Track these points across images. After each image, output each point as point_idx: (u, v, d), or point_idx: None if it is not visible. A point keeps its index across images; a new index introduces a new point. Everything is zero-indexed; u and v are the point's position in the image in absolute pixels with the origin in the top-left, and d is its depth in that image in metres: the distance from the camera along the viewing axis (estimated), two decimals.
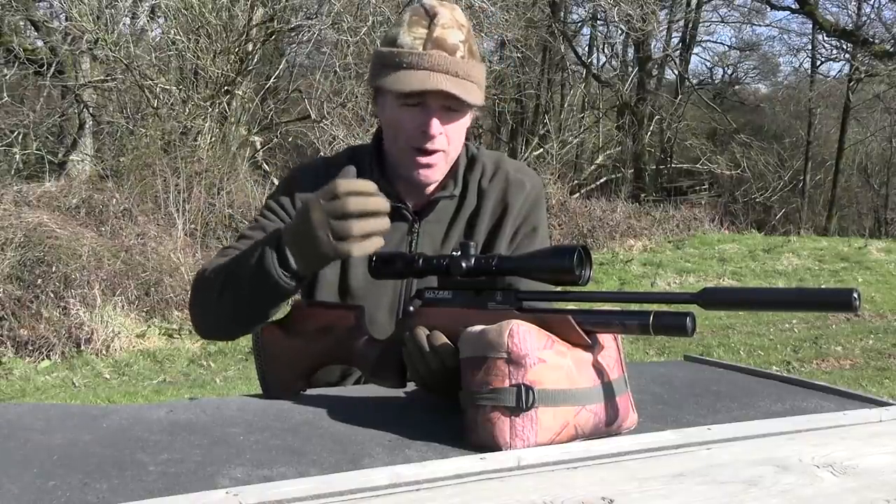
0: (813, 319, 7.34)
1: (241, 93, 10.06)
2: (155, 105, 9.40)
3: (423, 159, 1.44)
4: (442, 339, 1.13)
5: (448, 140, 1.44)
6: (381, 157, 1.53)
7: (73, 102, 10.40)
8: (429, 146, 1.42)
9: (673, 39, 18.97)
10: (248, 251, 1.28)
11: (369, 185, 1.17)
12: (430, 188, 1.52)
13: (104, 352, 6.30)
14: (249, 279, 1.25)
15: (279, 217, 1.49)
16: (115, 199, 7.87)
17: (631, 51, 18.30)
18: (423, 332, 1.15)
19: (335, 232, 1.15)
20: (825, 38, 18.59)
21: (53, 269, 6.51)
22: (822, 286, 8.16)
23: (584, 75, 17.81)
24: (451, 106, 1.42)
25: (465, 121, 1.48)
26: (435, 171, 1.47)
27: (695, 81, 19.92)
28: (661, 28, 16.86)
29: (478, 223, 1.53)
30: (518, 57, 13.22)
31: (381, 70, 1.42)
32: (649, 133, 17.00)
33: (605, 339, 1.09)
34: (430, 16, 1.41)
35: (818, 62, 20.05)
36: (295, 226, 1.22)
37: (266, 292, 1.25)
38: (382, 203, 1.17)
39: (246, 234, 1.48)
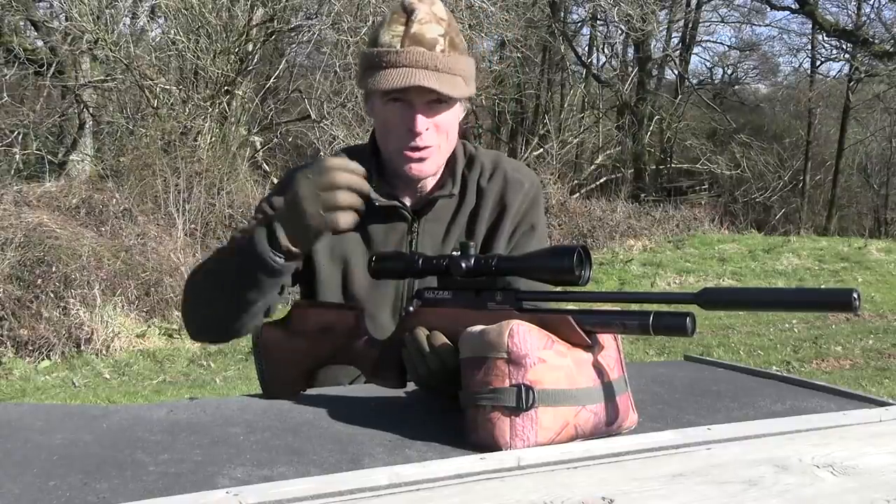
0: (813, 319, 7.34)
1: (241, 93, 10.06)
2: (155, 105, 9.40)
3: (414, 154, 1.44)
4: (441, 339, 1.13)
5: (438, 133, 1.44)
6: (379, 157, 1.53)
7: (73, 102, 10.40)
8: (418, 143, 1.43)
9: (673, 39, 19.00)
10: (239, 237, 1.32)
11: (356, 164, 1.22)
12: (428, 186, 1.52)
13: (104, 352, 6.30)
14: (242, 261, 1.27)
15: None
16: (115, 199, 7.88)
17: (631, 51, 18.31)
18: (422, 333, 1.15)
19: (324, 202, 1.19)
20: (825, 38, 18.59)
21: (53, 269, 6.52)
22: (822, 286, 8.16)
23: (584, 75, 17.82)
24: (434, 100, 1.42)
25: (455, 112, 1.47)
26: (427, 164, 1.46)
27: (695, 81, 19.93)
28: (660, 28, 16.86)
29: (477, 222, 1.53)
30: (518, 57, 13.22)
31: (365, 71, 1.43)
32: (649, 133, 17.00)
33: (605, 339, 1.09)
34: (408, 13, 1.41)
35: (818, 62, 20.07)
36: (284, 202, 1.25)
37: (258, 273, 1.25)
38: (364, 183, 1.22)
39: (237, 236, 1.49)
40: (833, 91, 19.41)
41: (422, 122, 1.41)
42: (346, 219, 1.20)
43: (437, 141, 1.44)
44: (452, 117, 1.46)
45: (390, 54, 1.39)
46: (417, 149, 1.43)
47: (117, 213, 7.73)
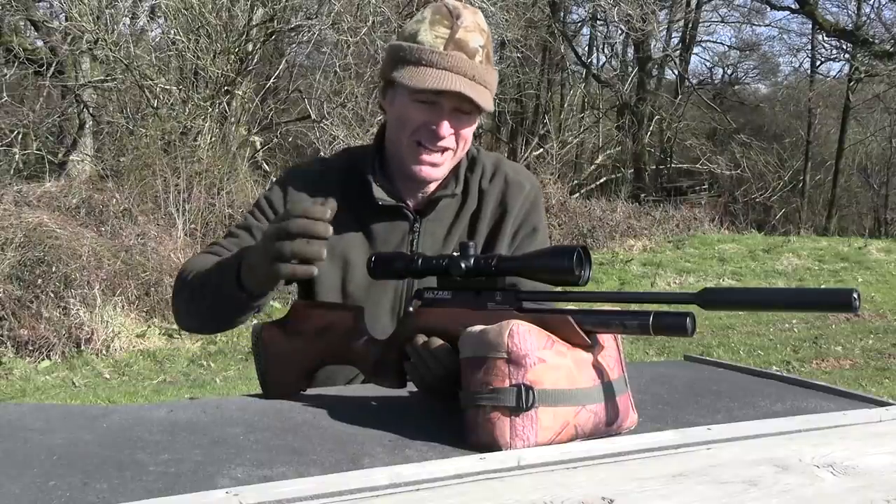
0: (813, 319, 7.34)
1: (241, 93, 10.05)
2: (155, 105, 9.40)
3: (427, 157, 1.44)
4: (438, 342, 1.14)
5: (456, 141, 1.45)
6: (383, 157, 1.53)
7: (73, 102, 10.39)
8: (438, 146, 1.43)
9: (673, 39, 19.01)
10: (223, 261, 1.34)
11: (320, 210, 1.14)
12: (431, 186, 1.52)
13: (104, 352, 6.30)
14: (214, 290, 1.32)
15: (266, 216, 1.50)
16: (115, 199, 7.87)
17: (631, 51, 18.32)
18: (421, 339, 1.16)
19: (271, 251, 1.16)
20: (825, 38, 18.60)
21: (53, 269, 6.51)
22: (822, 286, 8.16)
23: (584, 75, 17.84)
24: (463, 109, 1.42)
25: (475, 124, 1.48)
26: (438, 169, 1.47)
27: (695, 81, 19.93)
28: (660, 28, 16.86)
29: (479, 224, 1.53)
30: (518, 57, 13.22)
31: (397, 63, 1.42)
32: (649, 133, 17.00)
33: (605, 339, 1.09)
34: (454, 17, 1.41)
35: (818, 62, 20.08)
36: (256, 244, 1.28)
37: (228, 303, 1.32)
38: (325, 229, 1.13)
39: (233, 231, 1.51)
40: (833, 91, 19.42)
41: (447, 127, 1.42)
42: (293, 270, 1.15)
43: (454, 146, 1.45)
44: (472, 128, 1.48)
45: (433, 54, 1.38)
46: (435, 151, 1.44)
47: (117, 213, 7.73)
